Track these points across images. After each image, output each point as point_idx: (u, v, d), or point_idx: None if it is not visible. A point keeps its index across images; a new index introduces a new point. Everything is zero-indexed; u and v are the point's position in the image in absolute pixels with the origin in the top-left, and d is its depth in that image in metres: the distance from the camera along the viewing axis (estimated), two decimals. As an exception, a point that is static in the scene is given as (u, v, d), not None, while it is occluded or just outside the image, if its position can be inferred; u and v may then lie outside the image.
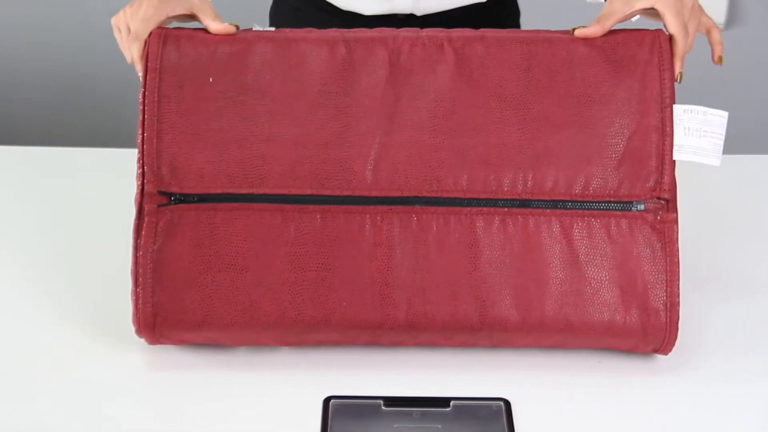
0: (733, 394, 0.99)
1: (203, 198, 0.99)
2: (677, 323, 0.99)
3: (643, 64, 1.01)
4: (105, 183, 1.35)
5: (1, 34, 2.38)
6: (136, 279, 0.99)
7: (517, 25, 1.47)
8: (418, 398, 0.97)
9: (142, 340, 1.03)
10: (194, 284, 0.98)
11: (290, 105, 1.00)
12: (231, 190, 0.99)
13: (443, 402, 0.96)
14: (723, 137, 1.02)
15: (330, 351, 1.04)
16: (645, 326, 0.99)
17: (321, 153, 0.99)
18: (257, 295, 0.98)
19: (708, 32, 1.08)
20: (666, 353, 1.01)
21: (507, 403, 0.96)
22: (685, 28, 1.02)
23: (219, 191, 0.99)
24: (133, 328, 1.01)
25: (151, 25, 1.03)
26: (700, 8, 1.06)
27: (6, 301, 1.12)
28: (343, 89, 1.00)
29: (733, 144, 2.53)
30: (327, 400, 0.96)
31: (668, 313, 0.99)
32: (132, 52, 1.03)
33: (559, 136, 0.99)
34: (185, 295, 0.98)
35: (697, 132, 1.01)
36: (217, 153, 1.00)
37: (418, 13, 1.33)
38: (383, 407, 0.95)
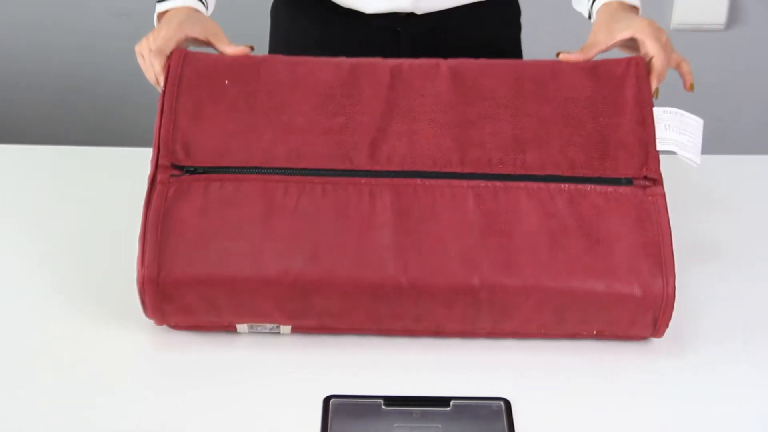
0: (733, 384, 1.00)
1: (213, 170, 1.05)
2: (674, 283, 1.00)
3: (621, 77, 1.10)
4: (105, 181, 1.35)
5: (1, 34, 2.38)
6: (144, 240, 1.01)
7: (518, 24, 1.47)
8: (418, 398, 0.97)
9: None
10: (200, 244, 1.01)
11: (298, 103, 1.08)
12: (239, 164, 1.05)
13: (443, 401, 0.96)
14: (700, 140, 1.11)
15: (330, 350, 1.04)
16: (643, 288, 1.00)
17: (325, 137, 1.06)
18: (261, 254, 1.00)
19: (678, 66, 1.16)
20: (666, 323, 1.01)
21: (507, 403, 0.96)
22: (664, 50, 1.12)
23: (228, 165, 1.05)
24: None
25: (172, 43, 1.12)
26: (672, 46, 1.15)
27: (11, 293, 1.12)
28: (347, 92, 1.09)
29: (733, 144, 2.54)
30: (327, 400, 0.96)
31: (664, 274, 1.00)
32: (154, 65, 1.11)
33: (549, 127, 1.07)
34: (191, 253, 1.00)
35: (677, 129, 1.09)
36: (228, 137, 1.07)
37: (419, 12, 1.32)
38: (383, 406, 0.95)
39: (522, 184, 1.04)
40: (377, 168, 1.05)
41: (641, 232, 1.02)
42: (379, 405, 0.96)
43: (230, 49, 1.13)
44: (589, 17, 1.23)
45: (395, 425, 0.93)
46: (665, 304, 1.00)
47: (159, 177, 1.04)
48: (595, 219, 1.02)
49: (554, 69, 1.11)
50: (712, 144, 2.53)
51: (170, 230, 1.01)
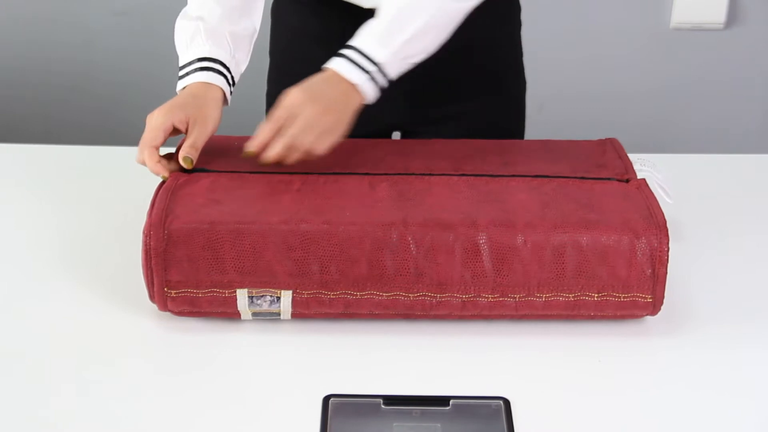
0: (732, 370, 1.01)
1: (221, 172, 1.15)
2: (667, 242, 1.03)
3: (599, 143, 1.25)
4: (105, 179, 1.36)
5: (0, 32, 2.38)
6: (153, 204, 1.06)
7: (518, 21, 1.46)
8: (417, 397, 0.97)
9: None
10: (207, 205, 1.07)
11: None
12: (246, 170, 1.15)
13: (443, 401, 0.96)
14: (669, 184, 1.20)
15: (330, 349, 1.04)
16: (638, 234, 1.03)
17: (329, 167, 1.17)
18: (266, 209, 1.06)
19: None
20: (663, 280, 1.03)
21: (506, 402, 0.96)
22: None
23: (234, 169, 1.15)
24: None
25: (161, 134, 1.14)
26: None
27: (12, 289, 1.12)
28: (348, 154, 1.21)
29: (734, 144, 2.54)
30: (327, 399, 0.96)
31: (657, 227, 1.03)
32: (144, 156, 1.14)
33: (536, 156, 1.20)
34: (198, 209, 1.06)
35: (651, 166, 1.19)
36: (238, 163, 1.17)
37: None
38: (383, 406, 0.95)
39: (511, 178, 1.14)
40: (376, 171, 1.15)
41: (630, 202, 1.08)
42: (379, 404, 0.96)
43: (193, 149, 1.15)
44: None
45: (395, 424, 0.93)
46: (660, 253, 1.03)
47: (172, 174, 1.13)
48: (584, 194, 1.09)
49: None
50: (712, 144, 2.53)
51: (179, 198, 1.08)
